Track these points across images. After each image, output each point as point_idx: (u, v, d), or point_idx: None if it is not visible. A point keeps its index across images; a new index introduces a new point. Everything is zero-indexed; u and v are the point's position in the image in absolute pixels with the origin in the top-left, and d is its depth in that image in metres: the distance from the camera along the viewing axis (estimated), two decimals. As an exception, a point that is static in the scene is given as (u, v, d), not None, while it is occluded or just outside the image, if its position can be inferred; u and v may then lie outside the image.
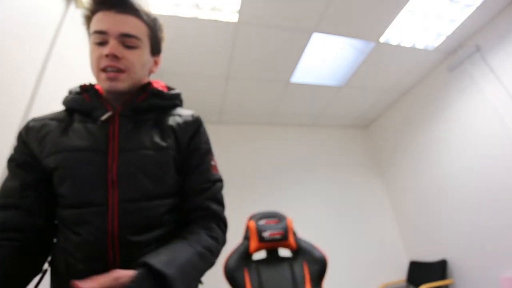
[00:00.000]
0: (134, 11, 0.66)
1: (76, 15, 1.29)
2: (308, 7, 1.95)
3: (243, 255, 1.51)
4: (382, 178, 3.52)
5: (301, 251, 1.52)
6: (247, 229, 1.60)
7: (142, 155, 0.62)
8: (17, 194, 0.59)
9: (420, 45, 2.43)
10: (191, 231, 0.63)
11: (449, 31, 2.32)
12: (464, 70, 2.46)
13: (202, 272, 0.61)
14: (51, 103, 1.09)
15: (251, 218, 1.66)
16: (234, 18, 1.96)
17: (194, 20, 1.94)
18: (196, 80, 2.55)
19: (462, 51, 2.46)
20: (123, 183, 0.59)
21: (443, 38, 2.39)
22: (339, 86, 2.89)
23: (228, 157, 3.12)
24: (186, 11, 1.88)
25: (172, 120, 0.72)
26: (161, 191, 0.63)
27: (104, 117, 0.64)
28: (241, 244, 1.55)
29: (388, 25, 2.16)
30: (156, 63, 0.78)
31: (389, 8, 2.03)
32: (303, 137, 3.51)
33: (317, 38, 2.23)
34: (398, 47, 2.42)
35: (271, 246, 1.54)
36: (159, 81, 0.80)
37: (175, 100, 0.78)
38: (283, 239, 1.53)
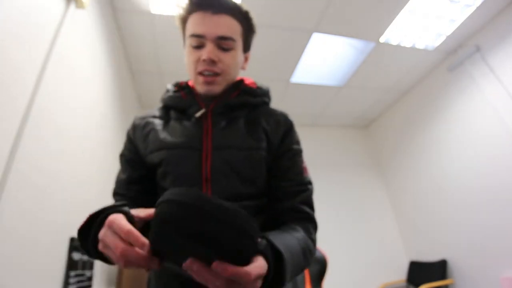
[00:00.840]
0: (230, 10, 0.66)
1: (76, 15, 1.29)
2: (308, 7, 1.95)
3: (243, 255, 1.51)
4: (382, 178, 3.52)
5: (301, 251, 1.52)
6: (247, 229, 1.60)
7: (235, 155, 0.62)
8: (124, 186, 0.66)
9: (420, 45, 2.43)
10: (293, 227, 0.60)
11: (449, 31, 2.32)
12: (464, 70, 2.46)
13: (302, 269, 0.56)
14: (51, 103, 1.09)
15: (251, 218, 1.66)
16: (234, 18, 1.96)
17: (194, 20, 1.94)
18: (196, 80, 2.54)
19: (462, 51, 2.46)
20: (216, 180, 0.60)
21: (443, 38, 2.39)
22: (339, 86, 2.89)
23: (228, 157, 3.11)
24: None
25: (264, 119, 0.71)
26: (252, 192, 0.62)
27: (198, 114, 0.66)
28: (241, 244, 1.55)
29: (388, 25, 2.16)
30: (246, 59, 0.77)
31: (389, 8, 2.03)
32: (303, 137, 3.46)
33: (317, 38, 2.23)
34: (398, 47, 2.42)
35: (271, 246, 1.54)
36: (249, 78, 0.79)
37: (264, 97, 0.78)
38: (283, 239, 1.53)
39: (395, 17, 2.10)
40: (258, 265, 0.36)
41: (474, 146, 2.38)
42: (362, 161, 3.57)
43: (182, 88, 0.73)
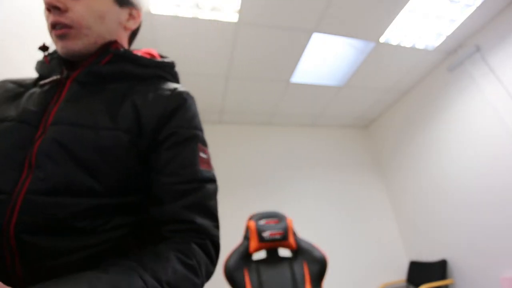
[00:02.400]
0: None
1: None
2: (308, 7, 1.95)
3: (243, 255, 1.51)
4: (382, 178, 3.52)
5: (301, 251, 1.52)
6: (247, 229, 1.60)
7: (74, 133, 0.46)
8: None
9: (420, 45, 2.43)
10: (154, 252, 0.42)
11: (449, 31, 2.32)
12: (464, 70, 2.46)
13: None
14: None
15: (251, 218, 1.66)
16: (234, 18, 1.96)
17: (194, 20, 1.94)
18: (196, 80, 2.55)
19: (462, 51, 2.46)
20: (40, 166, 0.43)
21: (443, 38, 2.39)
22: (339, 86, 2.89)
23: (228, 157, 3.12)
24: (186, 11, 1.88)
25: (140, 94, 0.54)
26: (98, 186, 0.45)
27: (45, 80, 0.52)
28: (241, 244, 1.55)
29: (388, 25, 2.16)
30: (132, 16, 0.62)
31: (389, 8, 2.03)
32: (303, 137, 3.51)
33: (317, 38, 2.23)
34: (398, 47, 2.42)
35: (271, 246, 1.54)
36: (150, 49, 0.65)
37: (158, 70, 0.60)
38: (283, 239, 1.53)
39: (395, 17, 2.10)
40: None
41: (474, 146, 2.38)
42: (362, 161, 3.57)
43: (46, 51, 0.58)
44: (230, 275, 1.41)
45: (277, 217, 1.65)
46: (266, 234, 1.53)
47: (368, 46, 2.38)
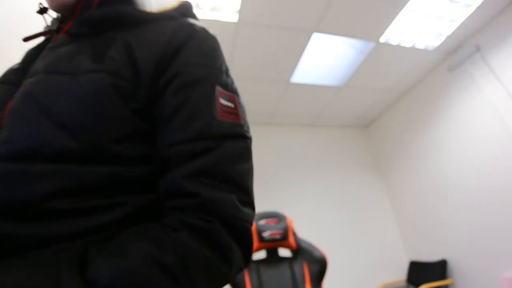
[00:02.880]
0: None
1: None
2: (308, 7, 1.95)
3: (243, 255, 1.51)
4: (382, 178, 3.52)
5: (301, 251, 1.52)
6: (247, 229, 1.60)
7: (51, 83, 0.36)
8: None
9: (420, 45, 2.43)
10: (154, 228, 0.32)
11: (449, 31, 2.32)
12: (464, 70, 2.46)
13: None
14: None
15: (251, 218, 1.66)
16: (234, 18, 1.96)
17: (194, 20, 1.94)
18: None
19: (462, 51, 2.46)
20: (8, 126, 0.34)
21: (443, 38, 2.39)
22: (339, 86, 2.89)
23: (228, 157, 3.12)
24: (186, 11, 1.88)
25: (136, 35, 0.41)
26: (82, 148, 0.33)
27: (29, 35, 0.45)
28: (241, 244, 1.55)
29: (388, 25, 2.16)
30: None
31: (389, 8, 2.03)
32: (303, 137, 3.50)
33: (317, 38, 2.23)
34: (398, 47, 2.42)
35: (271, 246, 1.54)
36: None
37: (165, 13, 0.46)
38: (283, 239, 1.53)
39: (395, 17, 2.10)
40: None
41: (474, 146, 2.38)
42: (362, 161, 3.57)
43: (44, 11, 0.51)
44: (230, 275, 1.41)
45: (277, 217, 1.65)
46: (266, 234, 1.53)
47: (368, 46, 2.38)
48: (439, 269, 2.51)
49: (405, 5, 2.00)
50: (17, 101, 0.36)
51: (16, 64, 0.43)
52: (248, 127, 0.42)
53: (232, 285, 1.40)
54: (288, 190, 3.11)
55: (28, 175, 0.31)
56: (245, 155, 0.40)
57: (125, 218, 0.34)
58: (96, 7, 0.43)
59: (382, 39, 2.30)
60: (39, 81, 0.36)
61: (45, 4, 0.46)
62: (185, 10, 0.49)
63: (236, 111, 0.40)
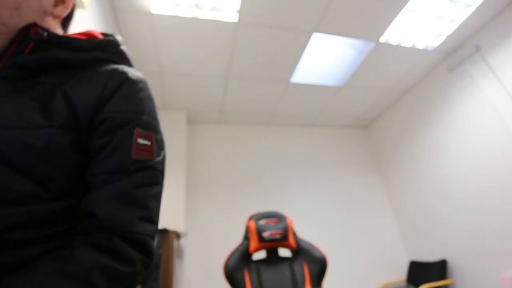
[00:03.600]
0: None
1: (76, 15, 1.29)
2: (308, 7, 1.95)
3: (243, 255, 1.51)
4: (382, 178, 3.52)
5: (301, 251, 1.52)
6: (247, 229, 1.60)
7: (6, 137, 0.39)
8: None
9: (420, 45, 2.43)
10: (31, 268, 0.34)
11: (449, 31, 2.32)
12: (464, 70, 2.46)
13: None
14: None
15: (251, 218, 1.66)
16: (234, 18, 1.96)
17: (194, 20, 1.94)
18: (196, 80, 2.55)
19: (462, 51, 2.46)
20: None
21: (443, 38, 2.39)
22: (339, 86, 2.89)
23: (227, 157, 3.12)
24: (186, 11, 1.88)
25: (74, 82, 0.46)
26: (44, 191, 0.39)
27: None
28: (241, 244, 1.55)
29: (388, 25, 2.16)
30: (61, 1, 0.53)
31: (389, 8, 2.03)
32: (303, 137, 3.51)
33: (317, 38, 2.23)
34: (398, 47, 2.42)
35: (271, 246, 1.54)
36: (90, 30, 0.55)
37: (96, 52, 0.50)
38: (283, 239, 1.53)
39: (395, 17, 2.10)
40: None
41: (474, 146, 2.38)
42: (362, 161, 3.57)
43: None
44: (230, 275, 1.41)
45: (277, 217, 1.65)
46: (266, 234, 1.53)
47: (368, 46, 2.38)
48: (439, 269, 2.51)
49: (405, 5, 2.00)
50: None
51: None
52: (161, 162, 0.49)
53: (232, 284, 1.40)
54: (288, 190, 3.11)
55: None
56: (151, 182, 0.45)
57: (55, 247, 0.39)
58: (29, 51, 0.45)
59: (382, 39, 2.30)
60: None
61: None
62: (115, 49, 0.54)
63: (151, 148, 0.47)
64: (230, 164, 3.09)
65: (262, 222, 1.61)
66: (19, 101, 0.42)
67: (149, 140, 0.47)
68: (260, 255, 1.58)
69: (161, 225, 1.86)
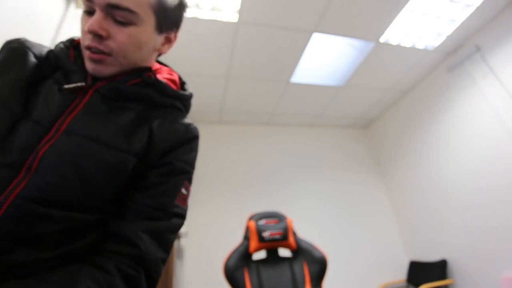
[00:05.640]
0: None
1: (76, 15, 1.30)
2: (308, 7, 1.95)
3: (243, 255, 1.51)
4: (382, 178, 3.52)
5: (301, 251, 1.52)
6: (247, 229, 1.60)
7: (88, 149, 0.45)
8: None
9: (420, 45, 2.43)
10: (66, 274, 0.39)
11: (449, 31, 2.32)
12: (464, 70, 2.46)
13: None
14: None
15: (251, 218, 1.66)
16: (234, 18, 1.96)
17: (194, 20, 1.94)
18: (196, 80, 2.55)
19: (462, 51, 2.46)
20: (42, 172, 0.42)
21: (443, 38, 2.39)
22: (339, 86, 2.89)
23: (227, 157, 3.12)
24: (186, 11, 1.88)
25: (159, 121, 0.55)
26: (90, 204, 0.45)
27: (70, 86, 0.50)
28: (241, 244, 1.55)
29: (388, 25, 2.16)
30: (169, 40, 0.62)
31: (389, 8, 2.03)
32: (303, 137, 3.51)
33: (317, 38, 2.23)
34: (398, 47, 2.42)
35: (271, 246, 1.54)
36: (173, 72, 0.65)
37: (176, 101, 0.60)
38: (283, 239, 1.53)
39: (395, 17, 2.10)
40: None
41: (474, 146, 2.38)
42: (362, 162, 3.57)
43: (74, 46, 0.56)
44: (230, 274, 1.41)
45: (277, 217, 1.65)
46: (266, 234, 1.54)
47: (368, 46, 2.38)
48: (439, 269, 2.51)
49: (405, 5, 2.00)
50: (54, 153, 0.43)
51: (47, 105, 0.49)
52: (187, 210, 0.57)
53: (232, 284, 1.40)
54: (288, 190, 3.11)
55: (51, 218, 0.41)
56: (177, 229, 0.53)
57: (82, 250, 0.45)
58: (132, 84, 0.55)
59: (382, 39, 2.30)
60: (78, 143, 0.45)
61: (81, 42, 0.53)
62: (188, 102, 0.65)
63: (186, 198, 0.55)
64: (230, 164, 3.08)
65: (262, 222, 1.61)
66: (109, 119, 0.50)
67: (187, 191, 0.56)
68: (260, 255, 1.58)
69: (161, 225, 1.86)
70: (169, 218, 0.50)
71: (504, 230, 2.11)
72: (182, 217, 0.54)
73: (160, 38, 0.59)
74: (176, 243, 2.05)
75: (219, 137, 3.21)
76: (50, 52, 0.57)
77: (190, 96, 0.65)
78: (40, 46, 0.57)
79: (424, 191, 2.89)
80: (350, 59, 2.53)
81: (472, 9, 2.12)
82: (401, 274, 2.91)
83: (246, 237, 1.57)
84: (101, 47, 0.49)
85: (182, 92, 0.62)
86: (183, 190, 0.54)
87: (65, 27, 1.18)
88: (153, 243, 0.46)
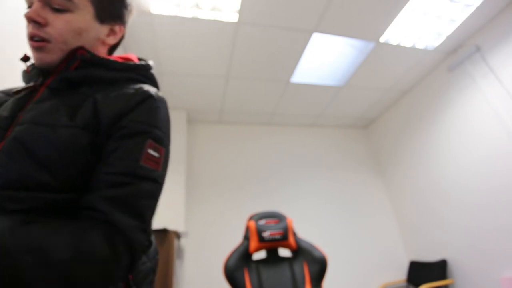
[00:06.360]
0: None
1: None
2: (308, 7, 1.95)
3: (243, 255, 1.51)
4: (382, 178, 3.52)
5: (301, 251, 1.52)
6: (247, 229, 1.60)
7: (31, 131, 0.47)
8: None
9: (420, 45, 2.43)
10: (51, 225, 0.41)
11: (449, 31, 2.32)
12: (464, 70, 2.46)
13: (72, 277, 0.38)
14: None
15: (251, 218, 1.66)
16: (234, 18, 1.96)
17: (194, 20, 1.94)
18: (196, 80, 2.55)
19: (462, 51, 2.46)
20: (1, 162, 0.45)
21: (443, 38, 2.39)
22: (339, 86, 2.89)
23: (227, 157, 3.12)
24: (186, 11, 1.88)
25: (104, 93, 0.55)
26: (51, 181, 0.46)
27: (18, 88, 0.54)
28: (241, 244, 1.55)
29: (388, 25, 2.16)
30: (113, 32, 0.63)
31: (389, 8, 2.03)
32: (303, 137, 3.51)
33: (317, 38, 2.23)
34: (398, 47, 2.42)
35: (271, 246, 1.54)
36: (129, 54, 0.67)
37: (129, 72, 0.61)
38: (283, 239, 1.53)
39: (395, 17, 2.10)
40: None
41: (474, 146, 2.38)
42: (362, 162, 3.57)
43: (26, 61, 0.60)
44: (230, 274, 1.41)
45: (277, 217, 1.65)
46: (266, 234, 1.53)
47: (368, 46, 2.38)
48: (439, 269, 2.51)
49: (405, 5, 2.00)
50: (8, 143, 0.46)
51: (5, 111, 0.53)
52: (164, 175, 0.54)
53: (232, 284, 1.40)
54: (288, 190, 3.11)
55: (15, 200, 0.43)
56: (153, 195, 0.51)
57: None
58: (75, 69, 0.56)
59: (382, 39, 2.30)
60: (27, 129, 0.47)
61: (30, 55, 0.57)
62: (146, 72, 0.64)
63: (159, 160, 0.52)
64: (230, 164, 3.08)
65: (262, 222, 1.61)
66: (54, 104, 0.51)
67: (158, 153, 0.52)
68: (260, 255, 1.58)
69: (161, 225, 1.86)
70: (135, 182, 0.47)
71: (504, 230, 2.11)
72: (153, 180, 0.50)
73: (103, 29, 0.61)
74: (176, 243, 2.05)
75: (219, 137, 3.21)
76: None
77: (147, 66, 0.64)
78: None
79: (424, 191, 2.89)
80: (350, 59, 2.53)
81: (472, 9, 2.12)
82: (401, 274, 2.91)
83: (246, 237, 1.57)
84: (41, 33, 0.52)
85: (133, 63, 0.62)
86: (150, 151, 0.51)
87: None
88: (118, 210, 0.45)
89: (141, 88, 0.56)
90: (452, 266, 2.51)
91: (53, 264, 0.36)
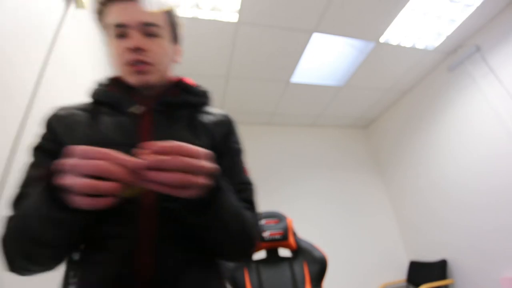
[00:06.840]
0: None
1: (76, 15, 1.29)
2: (308, 7, 1.95)
3: (243, 255, 1.51)
4: (382, 178, 3.52)
5: (301, 251, 1.52)
6: (247, 229, 1.60)
7: None
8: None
9: (420, 45, 2.43)
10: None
11: (449, 31, 2.32)
12: (464, 70, 2.46)
13: (239, 230, 0.56)
14: (51, 104, 1.09)
15: (251, 218, 1.66)
16: (234, 18, 1.96)
17: (194, 20, 1.94)
18: (196, 80, 2.54)
19: (462, 51, 2.46)
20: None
21: (443, 38, 2.39)
22: (339, 86, 2.89)
23: (228, 157, 3.12)
24: (186, 11, 1.89)
25: (206, 118, 0.69)
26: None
27: (137, 110, 0.62)
28: (241, 244, 1.55)
29: (388, 25, 2.16)
30: (178, 51, 0.76)
31: (389, 8, 2.03)
32: (303, 137, 3.50)
33: (317, 38, 2.23)
34: (398, 47, 2.42)
35: (271, 246, 1.54)
36: (188, 78, 0.78)
37: (204, 98, 0.76)
38: (283, 239, 1.53)
39: (395, 17, 2.10)
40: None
41: (474, 146, 2.38)
42: (362, 162, 3.57)
43: (114, 82, 0.68)
44: (230, 274, 1.41)
45: (277, 217, 1.65)
46: (266, 234, 1.53)
47: (368, 46, 2.38)
48: (439, 269, 2.51)
49: (405, 5, 2.00)
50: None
51: (114, 133, 0.60)
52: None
53: (232, 284, 1.40)
54: (288, 190, 3.11)
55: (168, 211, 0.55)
56: (256, 193, 0.70)
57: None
58: (175, 95, 0.68)
59: (382, 39, 2.30)
60: None
61: (128, 82, 0.65)
62: (208, 95, 0.79)
63: (246, 169, 0.72)
64: (230, 164, 3.08)
65: (262, 222, 1.61)
66: (179, 129, 0.63)
67: (244, 163, 0.73)
68: (260, 255, 1.58)
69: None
70: (247, 187, 0.67)
71: (504, 230, 2.11)
72: (252, 184, 0.70)
73: (174, 49, 0.73)
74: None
75: (219, 137, 3.21)
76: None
77: (209, 91, 0.81)
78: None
79: (424, 191, 2.88)
80: (350, 59, 2.53)
81: (472, 9, 2.12)
82: (401, 274, 2.91)
83: (246, 237, 1.57)
84: (144, 58, 0.60)
85: (204, 89, 0.78)
86: (243, 165, 0.71)
87: (65, 27, 1.18)
88: (249, 206, 0.63)
89: (226, 115, 0.74)
90: (452, 266, 2.51)
91: (246, 223, 0.56)
